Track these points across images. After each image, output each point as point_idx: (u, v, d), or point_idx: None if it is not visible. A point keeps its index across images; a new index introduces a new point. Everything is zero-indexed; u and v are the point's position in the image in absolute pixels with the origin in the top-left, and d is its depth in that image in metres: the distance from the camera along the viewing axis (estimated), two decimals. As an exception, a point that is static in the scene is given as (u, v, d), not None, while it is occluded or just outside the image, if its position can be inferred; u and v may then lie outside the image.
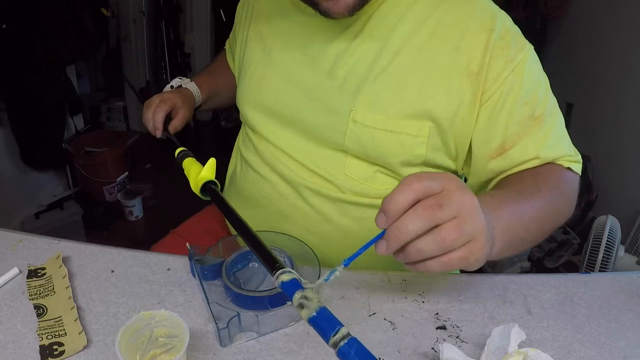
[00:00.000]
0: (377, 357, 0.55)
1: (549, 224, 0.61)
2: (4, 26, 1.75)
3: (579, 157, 0.69)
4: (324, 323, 0.39)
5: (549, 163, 0.66)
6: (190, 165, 0.70)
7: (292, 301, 0.42)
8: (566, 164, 0.66)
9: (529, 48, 0.65)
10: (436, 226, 0.42)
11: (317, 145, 0.73)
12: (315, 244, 0.69)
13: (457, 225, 0.42)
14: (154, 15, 2.82)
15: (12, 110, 1.93)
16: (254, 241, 0.52)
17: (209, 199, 0.65)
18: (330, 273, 0.46)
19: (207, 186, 0.65)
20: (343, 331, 0.38)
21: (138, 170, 2.57)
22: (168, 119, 0.86)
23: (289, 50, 0.74)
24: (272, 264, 0.47)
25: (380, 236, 0.45)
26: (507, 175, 0.67)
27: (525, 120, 0.64)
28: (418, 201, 0.43)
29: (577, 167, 0.68)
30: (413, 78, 0.65)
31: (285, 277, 0.44)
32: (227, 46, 1.01)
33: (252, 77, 0.78)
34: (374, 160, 0.70)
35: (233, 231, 0.89)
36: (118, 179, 2.36)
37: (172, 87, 0.91)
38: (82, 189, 2.34)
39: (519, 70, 0.63)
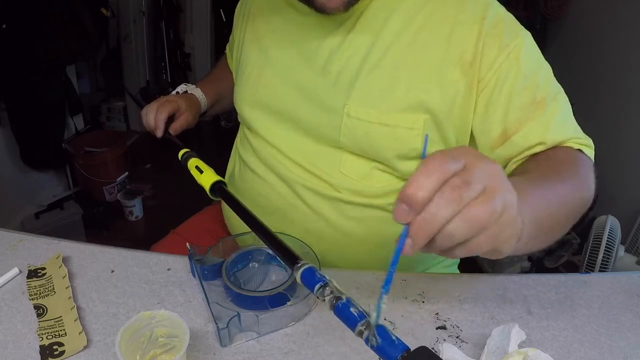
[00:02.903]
0: (378, 357, 0.55)
1: (575, 209, 0.57)
2: (4, 26, 1.75)
3: (590, 142, 0.65)
4: (350, 313, 0.39)
5: (558, 147, 0.63)
6: (196, 166, 0.70)
7: (314, 291, 0.42)
8: (576, 146, 0.63)
9: (525, 34, 0.64)
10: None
11: (313, 142, 0.73)
12: (314, 244, 0.69)
13: (487, 199, 0.36)
14: (154, 15, 2.82)
15: (12, 110, 1.93)
16: (269, 237, 0.53)
17: (219, 199, 0.65)
18: (378, 307, 0.39)
19: (216, 186, 0.65)
20: (370, 320, 0.38)
21: (138, 170, 2.56)
22: (170, 120, 0.86)
23: (284, 49, 0.75)
24: (292, 259, 0.47)
25: (404, 236, 0.38)
26: (522, 162, 0.65)
27: (527, 106, 0.63)
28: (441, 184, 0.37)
29: (589, 152, 0.64)
30: (405, 72, 0.65)
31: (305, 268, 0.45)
32: (227, 50, 1.01)
33: (249, 76, 0.79)
34: (369, 155, 0.70)
35: (233, 231, 0.89)
36: (118, 179, 2.36)
37: (177, 92, 0.92)
38: (82, 189, 2.33)
39: (515, 55, 0.62)
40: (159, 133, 0.84)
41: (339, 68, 0.69)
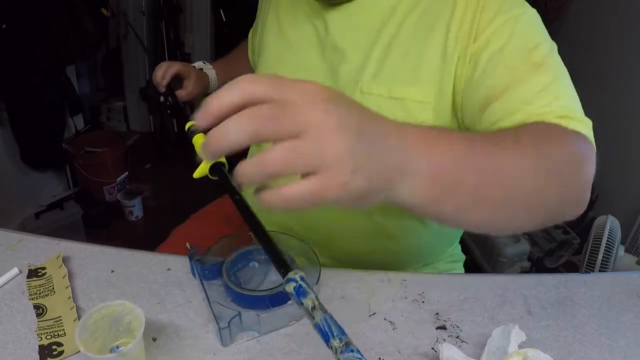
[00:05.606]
0: (377, 357, 0.55)
1: (540, 180, 0.47)
2: (4, 26, 1.75)
3: (587, 122, 0.56)
4: (329, 330, 0.39)
5: (546, 122, 0.53)
6: (200, 143, 0.70)
7: (302, 304, 0.42)
8: (571, 126, 0.52)
9: (530, 9, 0.62)
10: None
11: None
12: (317, 229, 0.71)
13: (292, 148, 0.32)
14: (154, 15, 2.82)
15: (12, 110, 1.93)
16: (260, 231, 0.52)
17: (216, 178, 0.65)
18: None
19: (216, 166, 0.64)
20: (345, 339, 0.38)
21: (138, 170, 2.56)
22: (179, 85, 0.90)
23: (300, 30, 0.77)
24: (280, 263, 0.47)
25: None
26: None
27: (518, 68, 0.57)
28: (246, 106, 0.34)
29: (587, 131, 0.54)
30: (415, 45, 0.66)
31: (294, 277, 0.44)
32: (250, 35, 1.04)
33: (269, 58, 0.81)
34: None
35: (234, 230, 0.89)
36: (118, 179, 2.36)
37: (194, 67, 0.95)
38: (82, 189, 2.33)
39: (513, 22, 0.59)
40: (164, 82, 0.87)
41: (351, 45, 0.70)
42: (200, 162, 0.62)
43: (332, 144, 0.33)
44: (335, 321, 0.39)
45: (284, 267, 0.46)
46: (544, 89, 0.55)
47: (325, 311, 0.40)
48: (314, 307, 0.41)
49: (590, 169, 0.51)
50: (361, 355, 0.36)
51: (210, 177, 0.65)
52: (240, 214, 0.54)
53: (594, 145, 0.54)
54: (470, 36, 0.61)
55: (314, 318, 0.40)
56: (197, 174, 0.65)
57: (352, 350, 0.37)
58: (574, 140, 0.52)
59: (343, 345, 0.37)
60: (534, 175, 0.46)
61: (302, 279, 0.44)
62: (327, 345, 0.38)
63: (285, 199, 0.34)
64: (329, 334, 0.38)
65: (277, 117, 0.32)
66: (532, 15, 0.61)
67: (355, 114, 0.36)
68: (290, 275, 0.45)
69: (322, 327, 0.39)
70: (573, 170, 0.50)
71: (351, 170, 0.33)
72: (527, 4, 0.63)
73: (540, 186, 0.47)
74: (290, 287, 0.44)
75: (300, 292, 0.43)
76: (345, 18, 0.71)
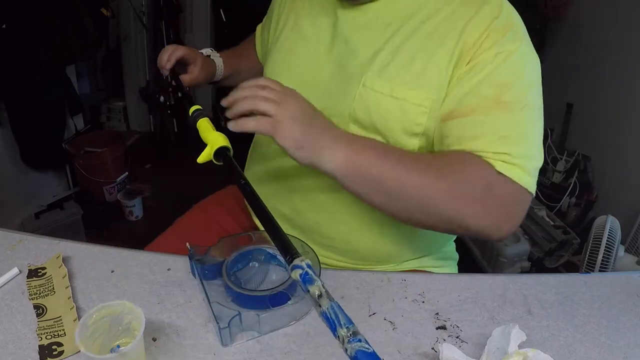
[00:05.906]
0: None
1: (434, 199, 0.61)
2: (4, 26, 1.75)
3: (527, 167, 0.62)
4: (336, 318, 0.38)
5: (482, 159, 0.62)
6: (205, 128, 0.68)
7: (308, 291, 0.41)
8: (501, 168, 0.61)
9: (524, 46, 0.65)
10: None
11: (326, 113, 0.74)
12: (314, 212, 0.72)
13: (269, 103, 0.59)
14: (154, 15, 2.82)
15: (12, 110, 1.93)
16: (265, 214, 0.53)
17: (221, 163, 0.64)
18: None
19: (221, 151, 0.64)
20: (352, 328, 0.37)
21: (138, 170, 2.56)
22: (183, 69, 0.89)
23: (315, 22, 0.79)
24: (285, 248, 0.47)
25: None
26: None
27: (486, 99, 0.63)
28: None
29: (519, 175, 0.61)
30: (423, 54, 0.68)
31: (300, 264, 0.44)
32: (258, 30, 1.04)
33: (281, 48, 0.82)
34: (377, 126, 0.71)
35: (234, 220, 0.89)
36: (118, 179, 2.36)
37: (201, 53, 0.94)
38: (82, 189, 2.33)
39: (503, 57, 0.64)
40: (169, 65, 0.86)
41: (363, 42, 0.72)
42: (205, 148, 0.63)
43: (287, 111, 0.60)
44: (342, 310, 0.39)
45: (289, 252, 0.46)
46: (500, 130, 0.62)
47: (332, 299, 0.40)
48: (320, 295, 0.40)
49: (503, 207, 0.62)
50: (368, 345, 0.36)
51: (214, 161, 0.65)
52: (245, 197, 0.58)
53: (525, 187, 0.62)
54: (466, 58, 0.65)
55: (320, 306, 0.39)
56: (202, 158, 0.65)
57: (359, 340, 0.36)
58: (495, 180, 0.61)
59: (350, 334, 0.37)
60: (427, 193, 0.61)
61: (308, 266, 0.44)
62: (334, 334, 0.38)
63: (253, 123, 0.60)
64: (336, 322, 0.38)
65: (265, 88, 0.62)
66: (522, 54, 0.65)
67: (312, 111, 0.63)
68: (297, 262, 0.44)
69: (328, 315, 0.39)
70: (478, 202, 0.62)
71: (291, 125, 0.59)
72: (525, 39, 0.67)
73: (432, 203, 0.62)
74: (296, 274, 0.43)
75: (306, 280, 0.42)
76: (361, 17, 0.73)
